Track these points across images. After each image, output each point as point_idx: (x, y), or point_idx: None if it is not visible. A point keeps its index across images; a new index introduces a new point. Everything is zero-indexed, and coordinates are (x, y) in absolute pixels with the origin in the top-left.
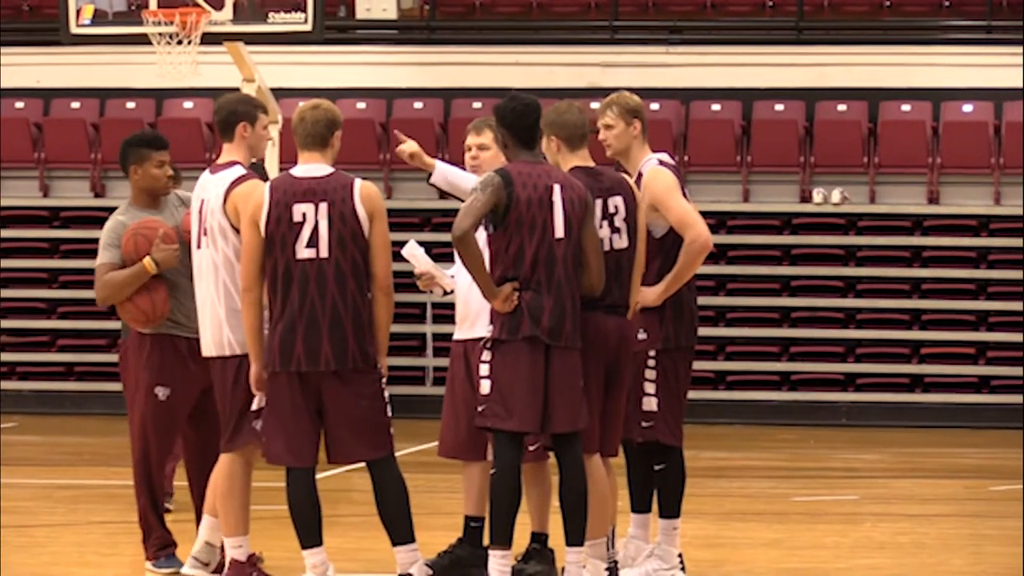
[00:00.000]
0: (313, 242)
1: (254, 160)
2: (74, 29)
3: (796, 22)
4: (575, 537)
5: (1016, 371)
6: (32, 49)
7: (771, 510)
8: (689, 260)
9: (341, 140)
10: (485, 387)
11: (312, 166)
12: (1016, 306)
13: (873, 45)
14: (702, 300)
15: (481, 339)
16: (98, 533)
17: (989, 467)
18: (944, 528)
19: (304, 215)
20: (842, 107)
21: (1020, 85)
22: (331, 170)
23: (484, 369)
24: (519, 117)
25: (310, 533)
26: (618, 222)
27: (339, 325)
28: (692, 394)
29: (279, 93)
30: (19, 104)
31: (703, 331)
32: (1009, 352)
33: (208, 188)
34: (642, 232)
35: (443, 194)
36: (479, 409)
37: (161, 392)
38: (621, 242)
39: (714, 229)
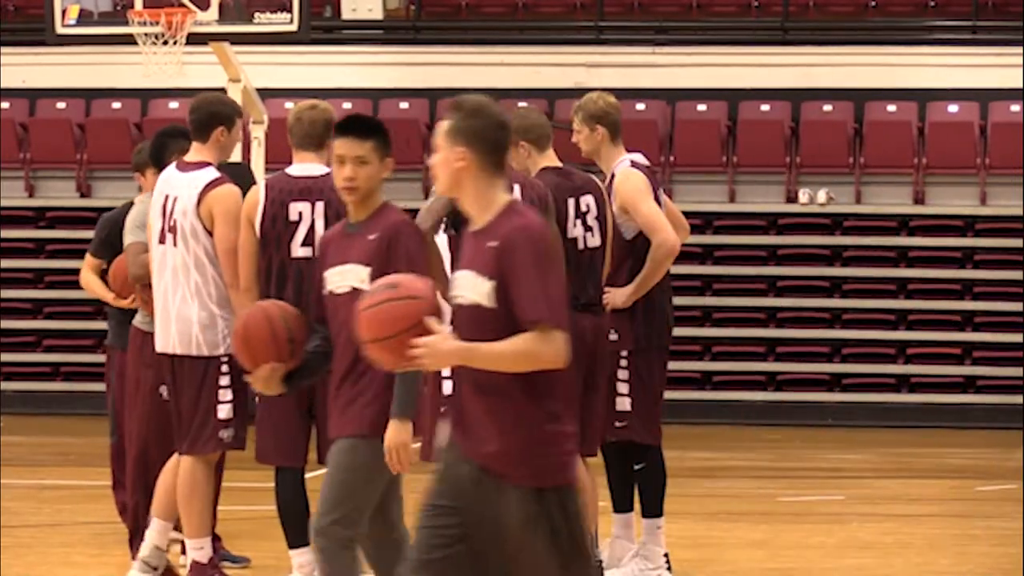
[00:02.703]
0: (309, 241)
1: (239, 161)
2: (59, 29)
3: (781, 22)
4: None
5: (1002, 371)
6: (17, 49)
7: (757, 510)
8: (656, 264)
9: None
10: None
11: (308, 165)
12: (1002, 306)
13: (859, 45)
14: (688, 300)
15: None
16: (84, 534)
17: (975, 467)
18: (930, 528)
19: (300, 214)
20: (828, 107)
21: (1006, 85)
22: (327, 170)
23: None
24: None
25: (298, 533)
26: (590, 220)
27: None
28: (678, 394)
29: (265, 93)
30: (4, 104)
31: (689, 331)
32: (995, 352)
33: (177, 186)
34: (611, 232)
35: (425, 195)
36: None
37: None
38: (594, 240)
39: (700, 229)
